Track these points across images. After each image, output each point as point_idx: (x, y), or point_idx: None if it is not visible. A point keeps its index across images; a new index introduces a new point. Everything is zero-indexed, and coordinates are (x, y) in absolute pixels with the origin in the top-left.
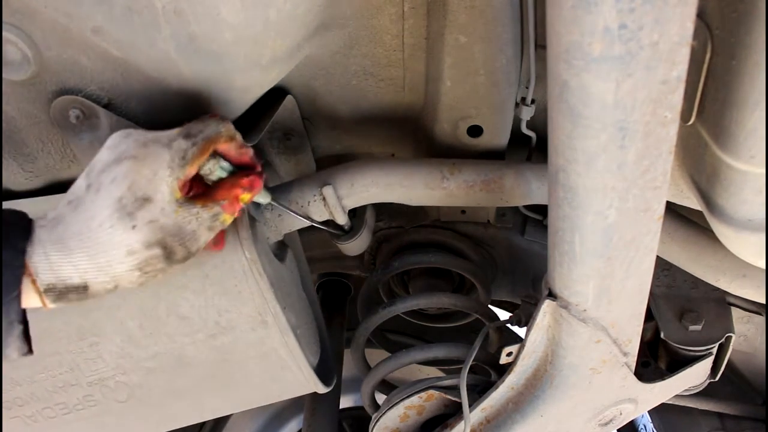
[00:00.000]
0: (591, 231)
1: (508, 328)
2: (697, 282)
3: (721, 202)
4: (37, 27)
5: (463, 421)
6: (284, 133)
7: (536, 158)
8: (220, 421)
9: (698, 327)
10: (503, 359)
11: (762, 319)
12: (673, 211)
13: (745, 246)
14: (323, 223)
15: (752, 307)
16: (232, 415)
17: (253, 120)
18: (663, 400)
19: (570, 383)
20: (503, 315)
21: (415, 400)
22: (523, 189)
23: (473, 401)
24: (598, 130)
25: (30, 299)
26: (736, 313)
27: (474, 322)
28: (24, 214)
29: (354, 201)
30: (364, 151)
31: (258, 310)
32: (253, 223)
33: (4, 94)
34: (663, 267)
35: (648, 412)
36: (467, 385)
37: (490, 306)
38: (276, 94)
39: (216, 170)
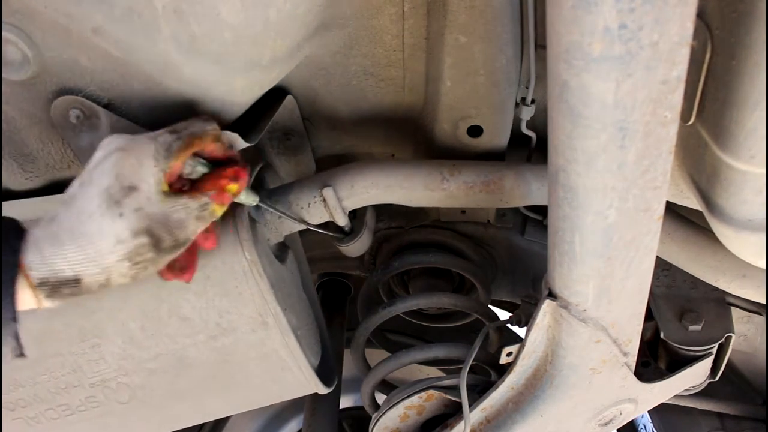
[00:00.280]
0: (591, 231)
1: (508, 328)
2: (696, 282)
3: (721, 202)
4: (37, 27)
5: (463, 421)
6: (284, 133)
7: (536, 158)
8: (220, 422)
9: (698, 327)
10: (503, 359)
11: (762, 319)
12: (672, 211)
13: (745, 246)
14: (324, 225)
15: (752, 307)
16: (231, 415)
17: (253, 120)
18: (663, 400)
19: (570, 383)
20: (503, 315)
21: (415, 400)
22: (522, 190)
23: (473, 401)
24: (598, 130)
25: (24, 297)
26: (736, 313)
27: (474, 322)
28: (16, 220)
29: (354, 202)
30: (364, 151)
31: (259, 311)
32: (253, 225)
33: (4, 94)
34: (663, 267)
35: (648, 412)
36: (467, 385)
37: (490, 306)
38: (276, 94)
39: (197, 168)
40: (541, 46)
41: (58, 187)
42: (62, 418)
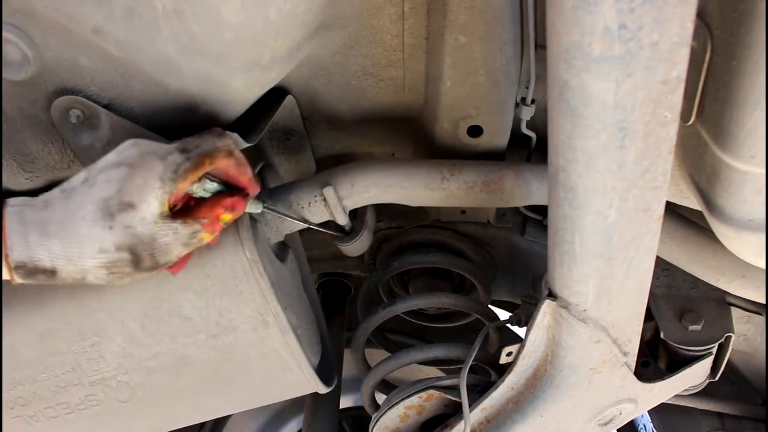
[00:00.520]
0: (591, 231)
1: (508, 328)
2: (696, 282)
3: (721, 202)
4: (37, 27)
5: (463, 421)
6: (284, 133)
7: (536, 159)
8: (220, 421)
9: (698, 327)
10: (503, 359)
11: (762, 319)
12: (672, 211)
13: (745, 246)
14: (324, 224)
15: (752, 307)
16: (232, 414)
17: (253, 120)
18: (663, 400)
19: (570, 383)
20: (503, 315)
21: (415, 400)
22: (523, 190)
23: (473, 401)
24: (598, 130)
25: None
26: (736, 313)
27: (474, 322)
28: None
29: (354, 202)
30: (364, 150)
31: (259, 310)
32: (254, 224)
33: (4, 94)
34: (663, 267)
35: (648, 411)
36: (467, 385)
37: (490, 306)
38: (276, 94)
39: (205, 186)
40: (541, 46)
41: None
42: (62, 417)
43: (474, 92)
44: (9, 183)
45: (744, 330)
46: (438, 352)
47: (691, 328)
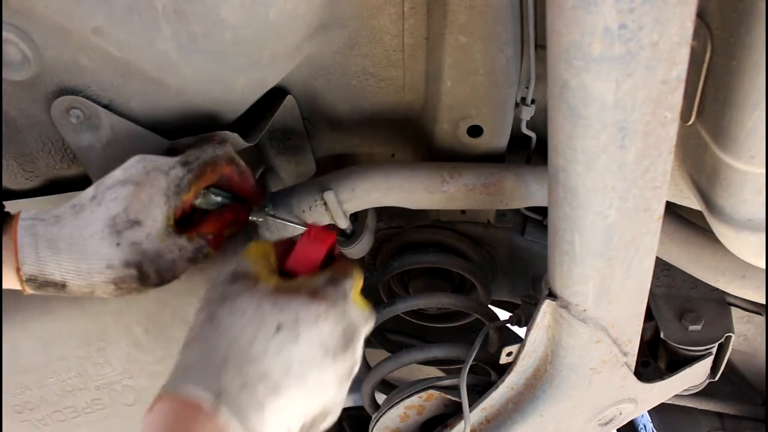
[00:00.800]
0: (591, 231)
1: (508, 328)
2: (696, 282)
3: (721, 202)
4: (37, 27)
5: (463, 421)
6: (284, 133)
7: (536, 159)
8: None
9: (698, 327)
10: (503, 359)
11: (762, 319)
12: (672, 211)
13: (745, 246)
14: None
15: (752, 307)
16: None
17: (253, 120)
18: (663, 400)
19: (570, 383)
20: (503, 315)
21: (415, 400)
22: (523, 191)
23: (473, 401)
24: (598, 130)
25: (10, 279)
26: (736, 313)
27: (474, 322)
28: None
29: (355, 205)
30: (365, 151)
31: None
32: (255, 228)
33: (4, 94)
34: (663, 267)
35: (648, 411)
36: (467, 385)
37: (490, 306)
38: (276, 94)
39: (209, 199)
40: (541, 46)
41: (58, 187)
42: (69, 420)
43: (474, 92)
44: (9, 183)
45: (744, 330)
46: (438, 352)
47: (691, 328)
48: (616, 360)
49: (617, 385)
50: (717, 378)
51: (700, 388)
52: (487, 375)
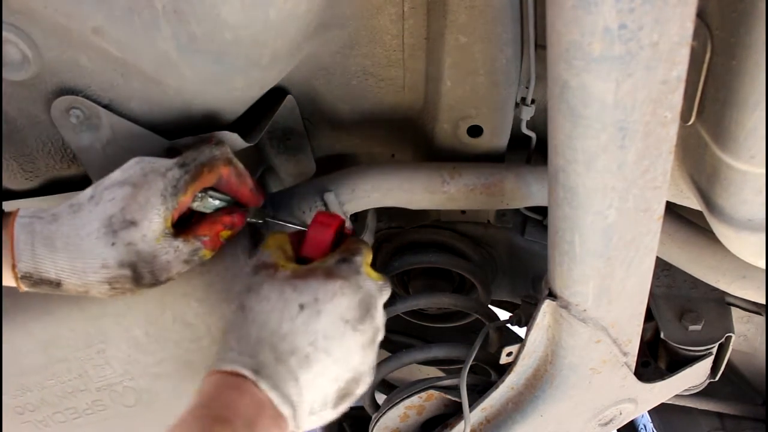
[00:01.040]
0: (591, 231)
1: (508, 328)
2: (696, 282)
3: (721, 202)
4: (37, 27)
5: (463, 421)
6: (284, 133)
7: (536, 159)
8: None
9: (698, 327)
10: (503, 359)
11: (762, 319)
12: (673, 211)
13: (745, 246)
14: None
15: (752, 307)
16: None
17: (253, 120)
18: (663, 400)
19: (570, 383)
20: (503, 315)
21: (415, 400)
22: (523, 191)
23: (473, 401)
24: (598, 130)
25: (6, 279)
26: (736, 313)
27: (474, 322)
28: None
29: (355, 206)
30: (365, 151)
31: None
32: (254, 230)
33: (4, 94)
34: (663, 267)
35: (648, 412)
36: (467, 385)
37: (490, 306)
38: (276, 94)
39: (206, 201)
40: (541, 46)
41: (58, 187)
42: (70, 422)
43: (474, 92)
44: (9, 183)
45: (744, 330)
46: (438, 352)
47: (691, 328)
48: (616, 360)
49: (617, 385)
50: (717, 378)
51: (700, 388)
52: (487, 375)
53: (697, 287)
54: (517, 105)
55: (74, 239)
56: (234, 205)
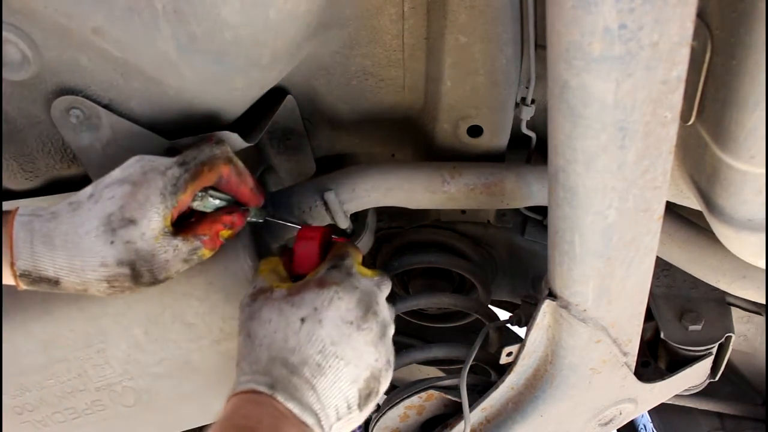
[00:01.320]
0: (591, 231)
1: (508, 328)
2: (697, 282)
3: (721, 202)
4: (37, 27)
5: (463, 421)
6: (284, 133)
7: (536, 159)
8: None
9: (698, 327)
10: (503, 359)
11: (762, 319)
12: (673, 211)
13: (745, 246)
14: None
15: (752, 307)
16: None
17: (253, 120)
18: (663, 400)
19: (570, 383)
20: (503, 315)
21: (415, 400)
22: (523, 191)
23: (473, 401)
24: (598, 130)
25: (5, 277)
26: (736, 313)
27: (474, 322)
28: None
29: (356, 205)
30: (365, 151)
31: None
32: (255, 230)
33: (4, 94)
34: (663, 267)
35: (648, 412)
36: (467, 385)
37: (490, 306)
38: (276, 94)
39: (206, 201)
40: (541, 46)
41: (58, 187)
42: (69, 422)
43: (474, 92)
44: (9, 183)
45: (744, 330)
46: (438, 352)
47: (691, 328)
48: (616, 360)
49: (617, 385)
50: (717, 378)
51: (700, 388)
52: (487, 375)
53: (697, 287)
54: (517, 105)
55: (73, 237)
56: (234, 204)
